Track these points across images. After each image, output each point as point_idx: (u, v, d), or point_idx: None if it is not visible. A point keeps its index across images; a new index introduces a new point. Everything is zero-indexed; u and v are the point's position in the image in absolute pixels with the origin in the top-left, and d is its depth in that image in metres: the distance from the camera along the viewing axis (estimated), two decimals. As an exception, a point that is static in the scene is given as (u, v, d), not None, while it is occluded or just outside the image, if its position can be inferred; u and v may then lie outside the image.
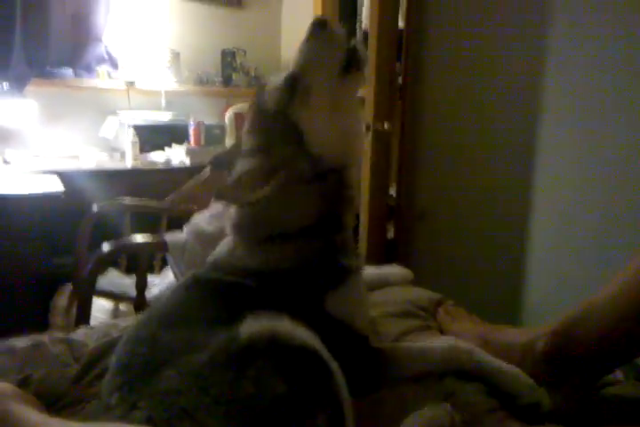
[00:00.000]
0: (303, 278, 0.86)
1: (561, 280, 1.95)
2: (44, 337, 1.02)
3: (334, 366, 0.67)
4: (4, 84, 2.55)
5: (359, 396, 0.77)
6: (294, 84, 0.88)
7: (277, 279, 0.85)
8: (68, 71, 2.96)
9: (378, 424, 0.76)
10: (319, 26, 0.88)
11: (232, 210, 0.96)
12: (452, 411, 0.72)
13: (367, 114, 2.29)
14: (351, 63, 0.89)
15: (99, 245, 1.51)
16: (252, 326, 0.67)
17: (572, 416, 0.82)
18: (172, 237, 1.58)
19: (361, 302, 0.93)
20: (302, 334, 0.68)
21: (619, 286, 0.84)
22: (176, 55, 3.29)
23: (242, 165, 0.88)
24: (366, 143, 2.25)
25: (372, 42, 2.25)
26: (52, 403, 0.88)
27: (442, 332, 1.08)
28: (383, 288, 1.25)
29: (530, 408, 0.82)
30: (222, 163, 0.94)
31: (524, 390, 0.84)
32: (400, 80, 2.48)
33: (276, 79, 0.92)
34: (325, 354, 0.67)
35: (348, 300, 0.87)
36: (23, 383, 0.89)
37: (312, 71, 0.88)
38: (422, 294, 1.23)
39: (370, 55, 2.26)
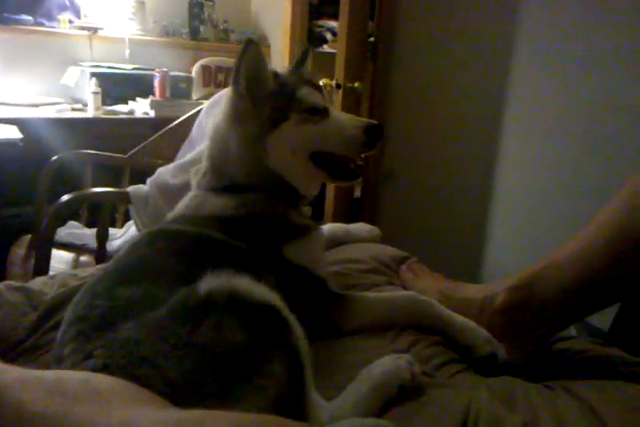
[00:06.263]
0: (262, 226, 0.93)
1: (523, 238, 2.00)
2: (1, 285, 1.00)
3: (292, 319, 0.68)
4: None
5: (321, 338, 0.77)
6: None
7: (237, 225, 0.91)
8: (28, 18, 2.81)
9: (339, 373, 0.77)
10: None
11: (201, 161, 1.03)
12: (413, 362, 0.73)
13: (338, 72, 2.26)
14: None
15: (59, 197, 1.47)
16: (212, 282, 0.66)
17: (526, 369, 0.85)
18: (135, 188, 1.55)
19: (321, 253, 1.00)
20: (262, 290, 0.68)
21: (579, 244, 0.86)
22: (141, 4, 3.16)
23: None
24: (336, 101, 2.23)
25: (345, 0, 2.20)
26: (7, 351, 0.87)
27: (405, 288, 1.10)
28: (349, 244, 1.26)
29: (486, 361, 0.84)
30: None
31: (481, 342, 0.85)
32: (372, 39, 2.45)
33: None
34: (285, 310, 0.68)
35: (307, 249, 0.94)
36: (-22, 330, 0.88)
37: None
38: (387, 252, 1.23)
39: (342, 13, 2.23)
